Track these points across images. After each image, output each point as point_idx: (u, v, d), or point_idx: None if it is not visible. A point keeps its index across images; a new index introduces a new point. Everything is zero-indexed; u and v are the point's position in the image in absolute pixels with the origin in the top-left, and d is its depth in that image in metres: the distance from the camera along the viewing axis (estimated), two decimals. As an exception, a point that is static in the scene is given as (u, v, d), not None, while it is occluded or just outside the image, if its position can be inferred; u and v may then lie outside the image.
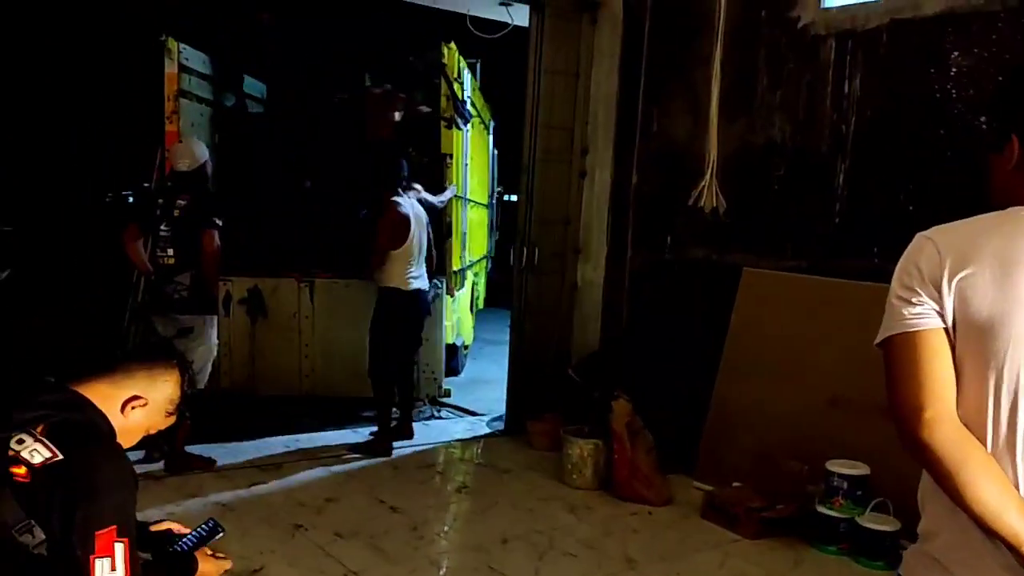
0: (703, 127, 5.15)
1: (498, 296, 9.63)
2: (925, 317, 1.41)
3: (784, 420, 4.46)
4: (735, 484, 4.38)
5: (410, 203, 5.33)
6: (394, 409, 5.43)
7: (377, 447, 5.20)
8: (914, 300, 1.42)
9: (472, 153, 7.49)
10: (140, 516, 1.94)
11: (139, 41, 7.91)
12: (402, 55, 7.56)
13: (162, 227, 4.68)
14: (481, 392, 6.85)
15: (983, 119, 3.80)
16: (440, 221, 6.46)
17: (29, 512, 1.71)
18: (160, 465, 4.68)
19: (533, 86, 5.63)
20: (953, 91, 4.07)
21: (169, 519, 2.30)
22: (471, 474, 5.17)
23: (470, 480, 4.95)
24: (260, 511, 4.16)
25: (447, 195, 6.23)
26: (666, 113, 5.47)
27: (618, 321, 5.73)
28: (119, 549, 1.76)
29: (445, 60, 6.48)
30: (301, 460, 5.07)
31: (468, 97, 6.96)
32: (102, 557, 1.73)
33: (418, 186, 5.71)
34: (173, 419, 2.15)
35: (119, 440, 1.94)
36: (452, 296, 6.64)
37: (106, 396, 1.93)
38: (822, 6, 4.63)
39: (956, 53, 4.06)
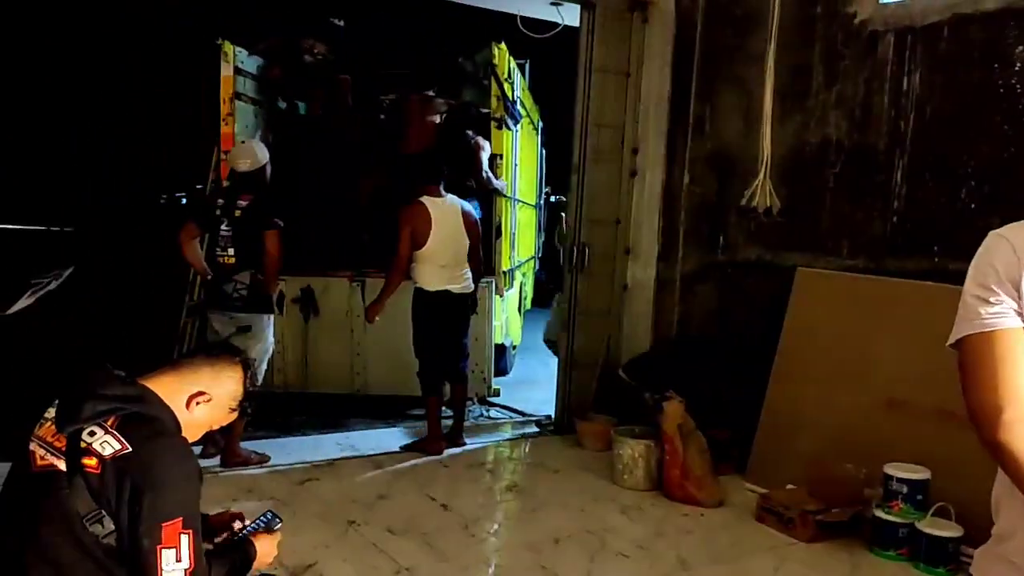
0: (756, 125, 5.09)
1: (544, 297, 9.64)
2: (1003, 316, 1.38)
3: (839, 422, 4.38)
4: (789, 486, 4.32)
5: (441, 203, 5.18)
6: (444, 408, 5.44)
7: (427, 446, 5.22)
8: (991, 299, 1.39)
9: (521, 154, 7.51)
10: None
11: (191, 45, 8.06)
12: (452, 56, 7.61)
13: (223, 227, 4.75)
14: (530, 392, 6.85)
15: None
16: (490, 221, 6.50)
17: (99, 502, 1.76)
18: (216, 461, 4.76)
19: (583, 85, 5.62)
20: (1018, 86, 3.98)
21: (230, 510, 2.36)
22: (521, 473, 5.17)
23: (520, 479, 4.95)
24: (313, 507, 4.21)
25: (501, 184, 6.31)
26: (718, 111, 5.42)
27: (670, 322, 5.69)
28: (184, 540, 1.80)
29: (495, 60, 6.50)
30: (353, 457, 5.12)
31: (518, 97, 6.97)
32: (168, 548, 1.78)
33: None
34: (236, 415, 2.19)
35: (184, 434, 1.98)
36: (501, 296, 6.66)
37: (173, 391, 1.98)
38: (880, 1, 4.54)
39: (1021, 47, 3.96)
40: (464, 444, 5.34)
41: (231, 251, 4.73)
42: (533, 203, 9.34)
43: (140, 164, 12.54)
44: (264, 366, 4.90)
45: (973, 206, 4.12)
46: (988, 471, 1.53)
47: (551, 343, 6.82)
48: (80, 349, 5.58)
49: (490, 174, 6.45)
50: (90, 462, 1.76)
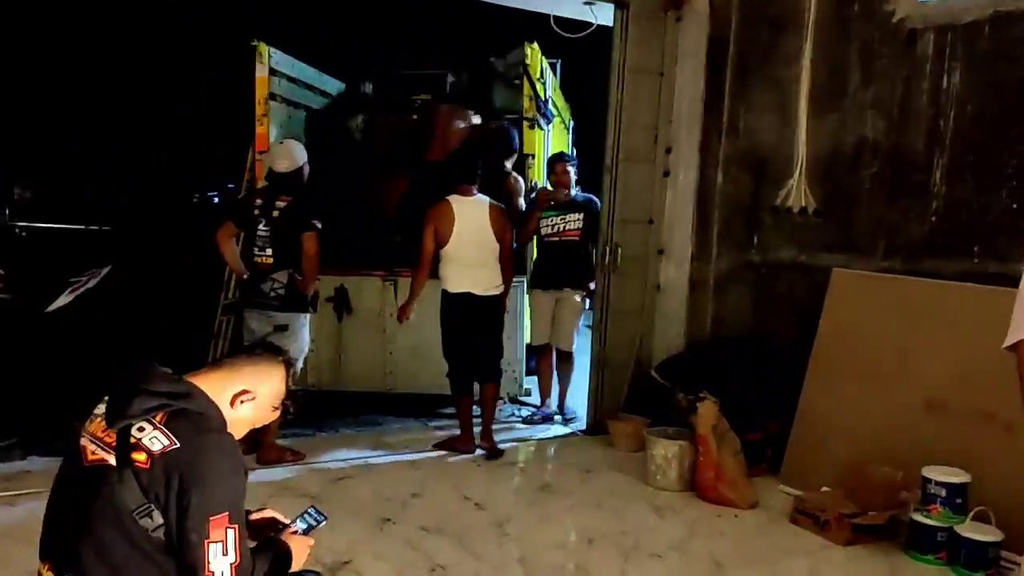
0: (791, 125, 5.07)
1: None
2: None
3: (875, 425, 4.34)
4: (824, 489, 4.29)
5: (468, 201, 5.09)
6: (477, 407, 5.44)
7: (456, 444, 5.23)
8: None
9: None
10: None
11: (226, 45, 8.13)
12: (484, 56, 7.62)
13: (260, 227, 4.79)
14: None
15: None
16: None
17: (148, 497, 1.79)
18: (251, 458, 4.81)
19: (616, 85, 5.61)
20: (1061, 85, 3.92)
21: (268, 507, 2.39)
22: (554, 473, 5.17)
23: (553, 479, 4.95)
24: (348, 504, 4.24)
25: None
26: (752, 111, 5.38)
27: (703, 322, 5.66)
28: (231, 535, 1.83)
29: (528, 60, 6.50)
30: (386, 455, 5.16)
31: (549, 97, 6.97)
32: (215, 542, 1.81)
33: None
34: (278, 413, 2.22)
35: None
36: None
37: (217, 389, 2.01)
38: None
39: (1064, 46, 3.90)
40: (493, 446, 5.23)
41: (269, 251, 4.77)
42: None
43: (172, 163, 12.69)
44: (300, 365, 4.94)
45: (1015, 206, 4.06)
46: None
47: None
48: (121, 347, 5.66)
49: (522, 203, 6.24)
50: (139, 457, 1.80)
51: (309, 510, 2.33)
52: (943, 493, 3.72)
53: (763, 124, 5.30)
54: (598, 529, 4.06)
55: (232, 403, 2.03)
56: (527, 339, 6.50)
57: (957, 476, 3.73)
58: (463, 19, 8.59)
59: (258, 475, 4.62)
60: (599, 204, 5.83)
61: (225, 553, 1.82)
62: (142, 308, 6.68)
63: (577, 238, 5.95)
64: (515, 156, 6.24)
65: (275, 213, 4.77)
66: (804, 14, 4.95)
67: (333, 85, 7.71)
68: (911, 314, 4.35)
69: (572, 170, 6.01)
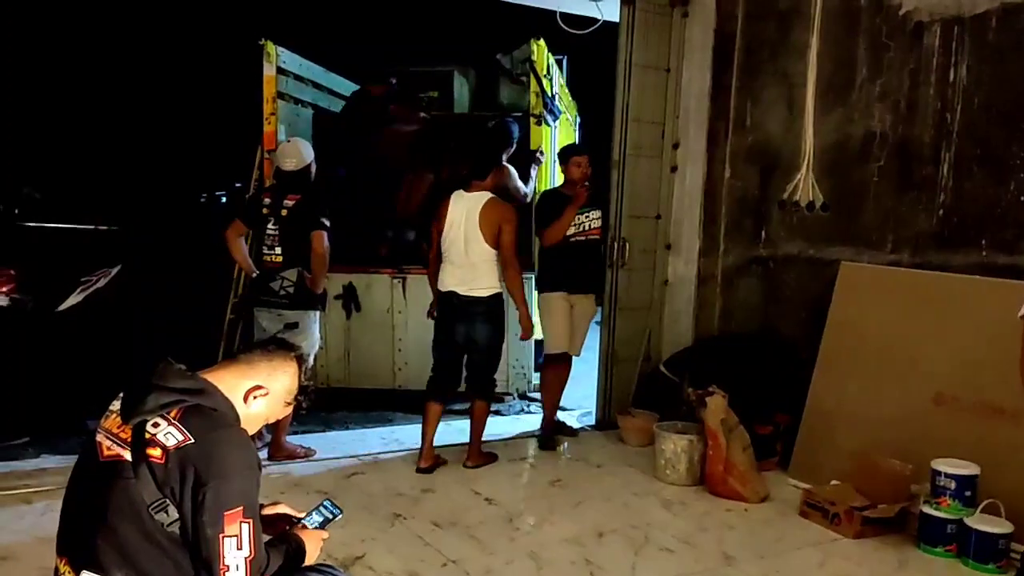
0: (798, 119, 5.06)
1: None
2: None
3: (884, 418, 4.35)
4: (833, 482, 4.30)
5: (465, 197, 4.82)
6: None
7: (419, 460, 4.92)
8: None
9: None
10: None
11: (233, 45, 8.17)
12: (490, 52, 7.62)
13: (269, 226, 4.81)
14: (570, 387, 6.78)
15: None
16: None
17: (163, 492, 1.82)
18: (263, 454, 4.84)
19: (623, 81, 5.61)
20: (1069, 77, 3.91)
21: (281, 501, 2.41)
22: (563, 468, 5.18)
23: (563, 474, 4.96)
24: (359, 500, 4.26)
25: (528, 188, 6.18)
26: (759, 105, 5.38)
27: (711, 317, 5.67)
28: (245, 529, 1.86)
29: (534, 56, 6.51)
30: (397, 451, 5.18)
31: (556, 93, 6.98)
32: (230, 536, 1.83)
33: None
34: (291, 409, 2.25)
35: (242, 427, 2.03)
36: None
37: (231, 385, 2.03)
38: (926, -9, 4.49)
39: (1072, 37, 3.89)
40: (475, 466, 4.88)
41: (278, 250, 4.78)
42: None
43: (181, 163, 12.75)
44: (310, 362, 4.96)
45: (1023, 199, 4.05)
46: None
47: None
48: (131, 346, 5.70)
49: (520, 186, 5.99)
50: (155, 452, 1.82)
51: (325, 503, 2.35)
52: (952, 485, 3.72)
53: (770, 118, 5.31)
54: (608, 523, 4.07)
55: (246, 399, 2.06)
56: (536, 335, 6.47)
57: (966, 468, 3.74)
58: (470, 16, 8.58)
59: (270, 471, 4.66)
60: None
61: (240, 547, 1.84)
62: (151, 307, 6.71)
63: (598, 236, 5.56)
64: (512, 149, 6.11)
65: (284, 212, 4.78)
66: (811, 7, 4.95)
67: (340, 84, 7.72)
68: (919, 307, 4.35)
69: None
